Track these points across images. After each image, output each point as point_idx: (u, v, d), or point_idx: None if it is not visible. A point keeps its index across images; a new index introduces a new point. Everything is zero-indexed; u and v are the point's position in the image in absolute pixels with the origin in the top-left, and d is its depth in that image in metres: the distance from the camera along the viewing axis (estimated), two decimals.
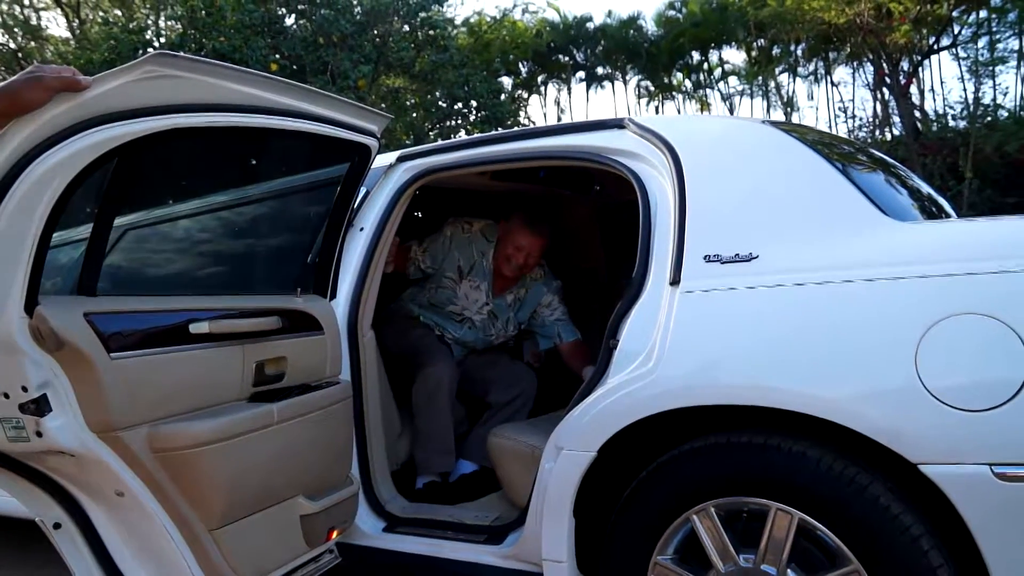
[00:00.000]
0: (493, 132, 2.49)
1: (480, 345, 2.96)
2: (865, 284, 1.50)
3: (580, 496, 1.77)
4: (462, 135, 14.20)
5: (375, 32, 12.78)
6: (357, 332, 2.26)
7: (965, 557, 1.39)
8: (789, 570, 1.52)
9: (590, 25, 24.61)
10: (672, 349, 1.66)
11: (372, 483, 2.24)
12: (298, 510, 1.87)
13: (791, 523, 1.51)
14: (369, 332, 2.33)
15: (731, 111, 22.92)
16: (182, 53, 1.56)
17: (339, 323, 2.13)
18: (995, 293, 1.38)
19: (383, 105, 12.91)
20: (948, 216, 2.35)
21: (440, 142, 2.57)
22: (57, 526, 1.59)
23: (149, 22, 14.79)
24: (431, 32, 13.54)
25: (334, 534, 2.01)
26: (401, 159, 2.45)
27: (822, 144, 2.00)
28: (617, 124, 2.11)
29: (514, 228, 2.78)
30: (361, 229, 2.36)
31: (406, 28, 13.40)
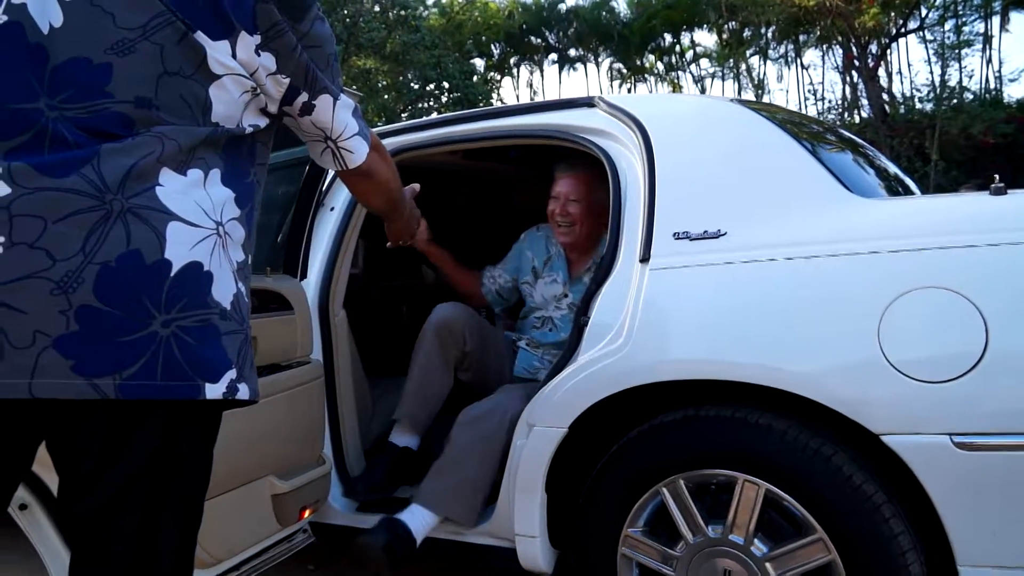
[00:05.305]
0: (464, 111, 2.46)
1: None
2: (830, 260, 1.52)
3: (552, 471, 1.79)
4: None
5: (345, 12, 12.63)
6: (329, 312, 2.25)
7: (926, 525, 1.43)
8: (756, 539, 1.56)
9: (562, 6, 24.54)
10: (642, 326, 1.68)
11: (345, 462, 2.24)
12: (269, 490, 1.86)
13: (758, 494, 1.54)
14: (341, 312, 2.31)
15: (703, 93, 23.00)
16: None
17: (310, 303, 2.12)
18: (955, 267, 1.41)
19: (354, 86, 12.77)
20: (912, 194, 2.39)
21: (410, 121, 2.54)
22: (23, 507, 1.57)
23: None
24: (402, 12, 13.43)
25: (306, 513, 2.01)
26: None
27: (791, 123, 2.02)
28: (587, 103, 2.11)
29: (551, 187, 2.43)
30: (332, 209, 2.35)
31: (377, 8, 13.26)
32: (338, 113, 1.12)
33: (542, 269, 2.54)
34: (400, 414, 2.32)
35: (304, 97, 1.07)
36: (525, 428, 1.83)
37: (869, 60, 16.83)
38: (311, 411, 2.02)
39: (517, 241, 2.65)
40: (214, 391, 0.91)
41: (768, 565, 1.54)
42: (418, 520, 1.97)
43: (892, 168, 2.53)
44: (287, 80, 1.04)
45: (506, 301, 2.69)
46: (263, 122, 1.06)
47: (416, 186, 1.63)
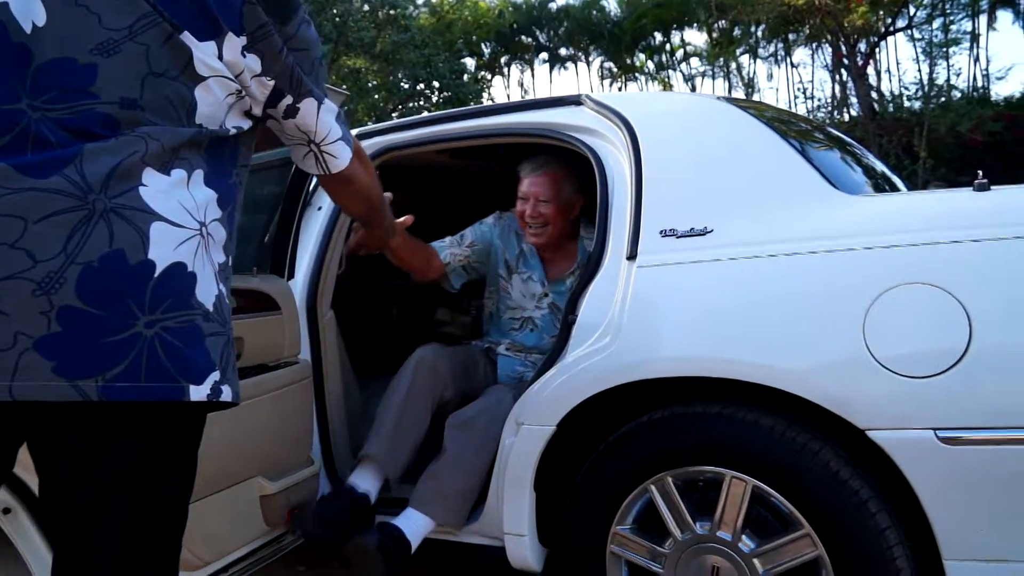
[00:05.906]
0: (452, 110, 2.46)
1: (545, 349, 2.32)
2: (815, 256, 1.53)
3: (540, 469, 1.79)
4: None
5: (334, 11, 12.60)
6: (317, 312, 2.24)
7: (912, 520, 1.44)
8: (744, 535, 1.56)
9: (553, 5, 24.55)
10: (629, 323, 1.68)
11: (334, 463, 2.24)
12: (257, 491, 1.85)
13: (745, 490, 1.54)
14: (329, 312, 2.30)
15: (693, 92, 23.06)
16: None
17: (298, 303, 2.11)
18: (939, 263, 1.42)
19: (344, 86, 12.75)
20: (899, 191, 2.40)
21: (399, 120, 2.54)
22: (7, 511, 1.56)
23: None
24: (392, 11, 13.40)
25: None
26: (360, 137, 2.42)
27: (778, 121, 2.02)
28: (575, 101, 2.11)
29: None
30: (319, 208, 2.34)
31: (366, 7, 13.23)
32: (322, 117, 1.12)
33: (515, 264, 2.44)
34: (368, 452, 2.09)
35: (288, 100, 1.07)
36: (513, 426, 1.83)
37: (858, 58, 16.90)
38: (299, 412, 2.02)
39: (480, 223, 2.50)
40: (198, 393, 0.90)
41: (756, 561, 1.54)
42: (413, 524, 1.96)
43: (879, 166, 2.54)
44: (272, 82, 1.04)
45: (469, 276, 2.50)
46: (246, 124, 1.06)
47: (388, 195, 1.63)
